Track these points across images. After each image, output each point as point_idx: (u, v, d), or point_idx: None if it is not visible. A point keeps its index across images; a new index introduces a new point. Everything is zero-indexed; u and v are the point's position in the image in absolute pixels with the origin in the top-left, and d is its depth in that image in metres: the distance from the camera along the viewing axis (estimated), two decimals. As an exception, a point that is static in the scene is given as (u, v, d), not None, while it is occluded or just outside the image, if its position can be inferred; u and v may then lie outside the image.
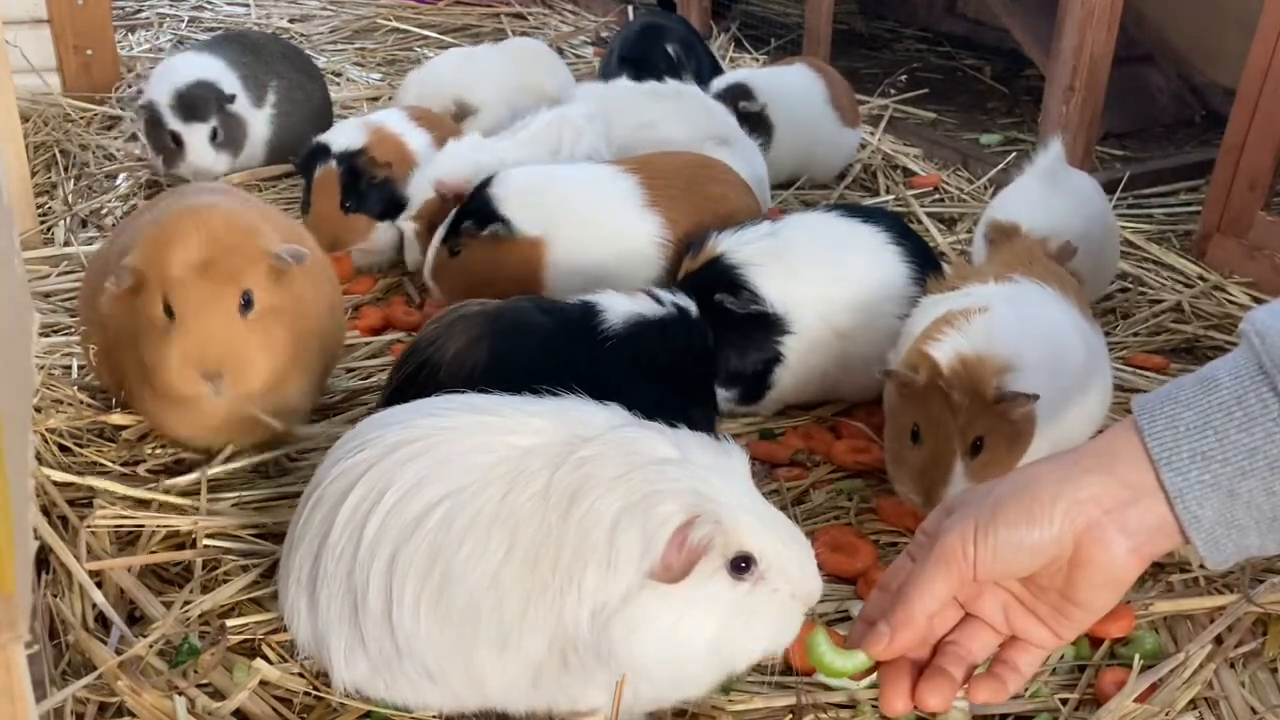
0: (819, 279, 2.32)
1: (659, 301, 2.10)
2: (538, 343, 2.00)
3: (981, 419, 1.83)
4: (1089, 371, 2.04)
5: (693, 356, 2.12)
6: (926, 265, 2.40)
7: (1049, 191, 2.68)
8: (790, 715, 1.63)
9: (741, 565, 1.41)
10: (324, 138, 2.98)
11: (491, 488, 1.46)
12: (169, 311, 1.89)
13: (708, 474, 1.44)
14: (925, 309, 2.15)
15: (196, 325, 1.89)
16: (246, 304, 1.93)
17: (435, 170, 2.82)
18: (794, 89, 3.61)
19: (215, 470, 2.09)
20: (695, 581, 1.38)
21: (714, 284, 2.28)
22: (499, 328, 1.99)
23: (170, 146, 3.37)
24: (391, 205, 2.93)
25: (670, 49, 3.90)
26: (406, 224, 2.84)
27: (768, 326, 2.29)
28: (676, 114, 3.25)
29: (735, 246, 2.33)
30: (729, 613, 1.41)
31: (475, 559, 1.44)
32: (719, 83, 3.63)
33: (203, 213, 1.94)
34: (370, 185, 2.90)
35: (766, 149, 3.45)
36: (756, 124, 3.47)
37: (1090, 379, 2.04)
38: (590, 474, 1.43)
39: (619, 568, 1.38)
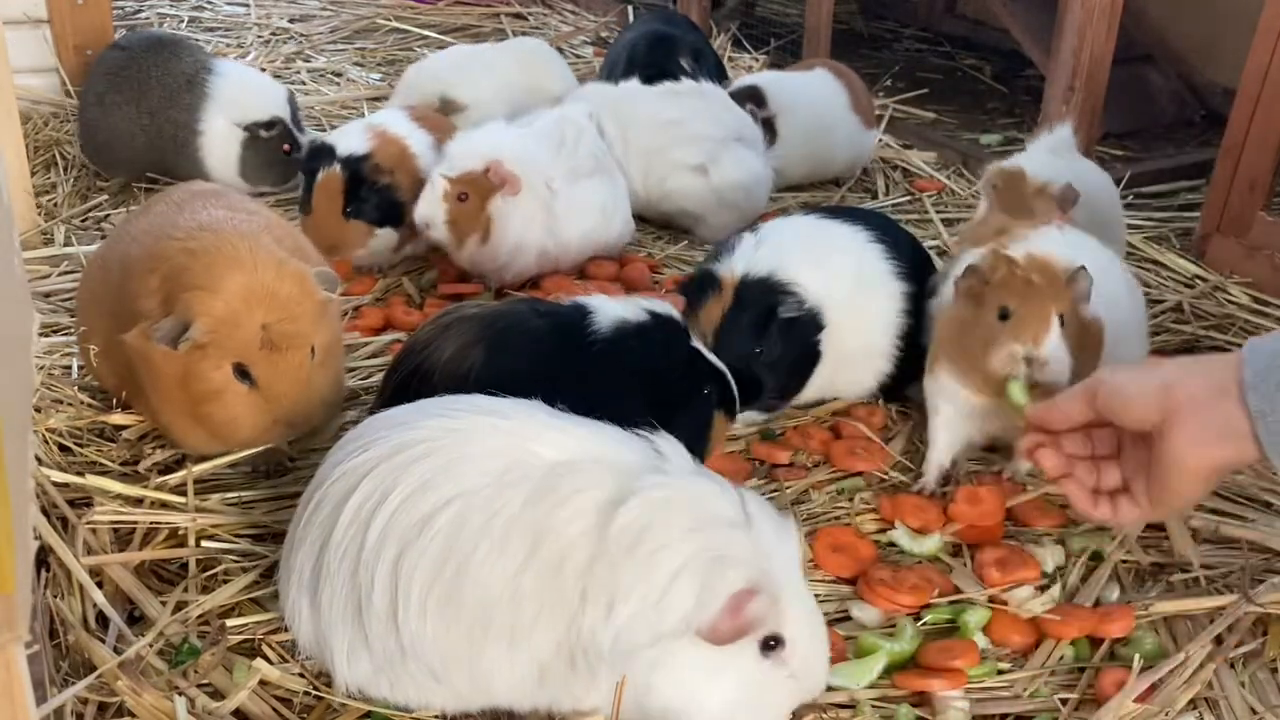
0: (818, 275, 2.30)
1: (644, 309, 2.09)
2: (534, 346, 2.00)
3: (1061, 297, 1.96)
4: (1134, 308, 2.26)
5: (681, 361, 2.11)
6: (911, 262, 2.41)
7: (1062, 165, 2.68)
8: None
9: (771, 644, 1.46)
10: (328, 139, 2.94)
11: (509, 492, 1.47)
12: (244, 375, 1.91)
13: (770, 549, 1.47)
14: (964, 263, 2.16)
15: (282, 389, 1.94)
16: (311, 351, 1.98)
17: (492, 147, 2.77)
18: (817, 95, 3.62)
19: (205, 467, 2.07)
20: (732, 647, 1.42)
21: (762, 302, 2.24)
22: (496, 330, 1.98)
23: (284, 160, 3.35)
24: (391, 212, 2.89)
25: (684, 60, 3.90)
26: (439, 178, 2.76)
27: (810, 324, 2.29)
28: (703, 112, 3.25)
29: (749, 262, 2.29)
30: (747, 683, 1.47)
31: (491, 562, 1.45)
32: (741, 82, 3.62)
33: (252, 265, 1.90)
34: (371, 192, 2.86)
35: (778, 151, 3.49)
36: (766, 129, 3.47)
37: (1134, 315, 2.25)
38: (663, 520, 1.45)
39: (666, 611, 1.41)
